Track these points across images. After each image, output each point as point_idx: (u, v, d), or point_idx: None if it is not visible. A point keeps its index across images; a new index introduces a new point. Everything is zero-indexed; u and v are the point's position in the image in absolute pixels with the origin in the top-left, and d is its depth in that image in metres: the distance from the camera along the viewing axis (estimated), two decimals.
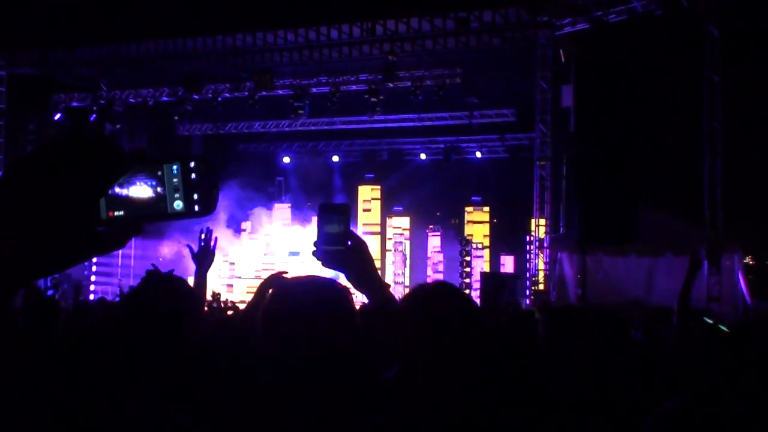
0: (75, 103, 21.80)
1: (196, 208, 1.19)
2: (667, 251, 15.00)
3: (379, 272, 2.10)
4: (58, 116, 21.75)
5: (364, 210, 24.23)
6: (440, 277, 22.93)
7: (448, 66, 19.10)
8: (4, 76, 20.81)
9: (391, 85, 19.58)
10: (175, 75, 20.25)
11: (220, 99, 20.72)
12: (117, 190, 1.16)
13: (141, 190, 1.18)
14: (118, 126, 22.34)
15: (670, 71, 15.11)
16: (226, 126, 23.44)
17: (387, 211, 24.56)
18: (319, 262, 2.16)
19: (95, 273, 21.91)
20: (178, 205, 1.19)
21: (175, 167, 1.20)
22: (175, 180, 1.19)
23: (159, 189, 1.19)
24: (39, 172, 0.94)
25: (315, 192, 23.48)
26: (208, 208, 1.18)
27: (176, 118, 21.95)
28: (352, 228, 2.17)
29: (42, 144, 0.96)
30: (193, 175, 1.19)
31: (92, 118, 21.40)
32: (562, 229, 18.53)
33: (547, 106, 18.20)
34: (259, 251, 22.27)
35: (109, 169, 1.01)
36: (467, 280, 20.64)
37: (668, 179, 14.55)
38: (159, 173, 1.19)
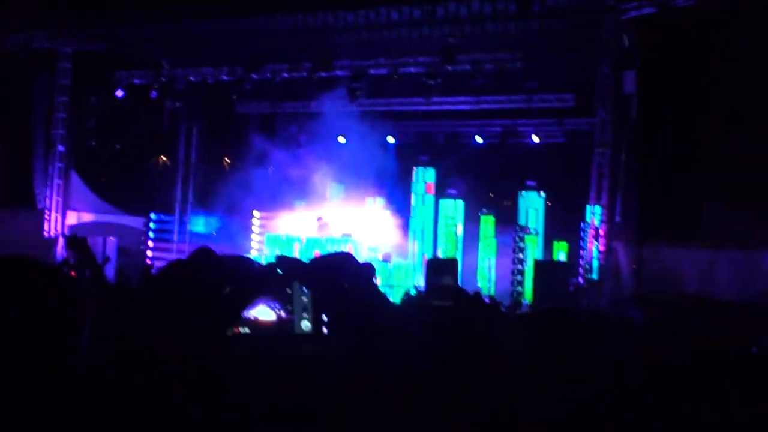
0: (136, 80, 22.08)
1: (324, 330, 1.19)
2: (730, 244, 14.71)
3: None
4: (120, 93, 22.09)
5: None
6: (493, 262, 22.83)
7: (508, 49, 18.90)
8: (69, 53, 21.16)
9: (449, 67, 19.46)
10: (235, 54, 20.39)
11: (278, 79, 20.83)
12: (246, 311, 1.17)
13: (266, 312, 1.19)
14: (177, 104, 22.61)
15: (739, 58, 14.73)
16: (281, 105, 23.54)
17: (440, 194, 24.47)
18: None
19: (153, 249, 22.29)
20: (306, 325, 1.19)
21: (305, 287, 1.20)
22: (304, 299, 1.19)
23: (285, 311, 1.20)
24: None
25: (370, 173, 23.49)
26: (336, 329, 1.18)
27: (234, 97, 22.11)
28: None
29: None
30: None
31: (153, 95, 21.68)
32: (618, 217, 18.29)
33: (608, 91, 17.93)
34: (312, 230, 22.38)
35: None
36: (519, 267, 20.49)
37: (735, 171, 14.21)
38: (288, 291, 1.19)
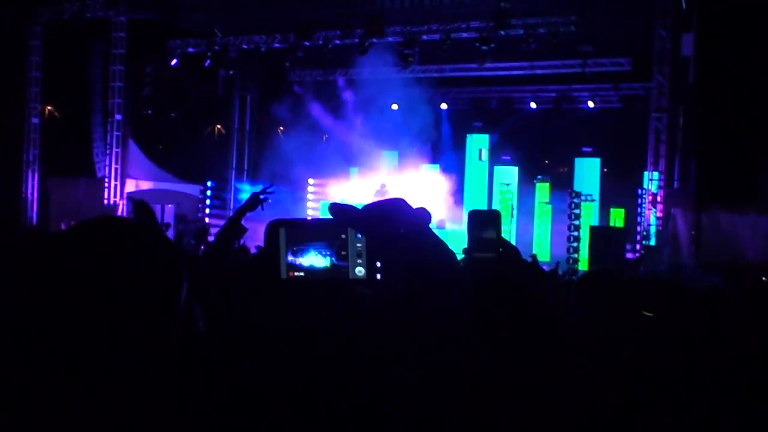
0: (190, 49, 22.27)
1: (378, 276, 1.21)
2: None
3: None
4: (174, 61, 22.32)
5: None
6: (548, 228, 22.68)
7: (562, 13, 18.57)
8: (124, 22, 21.40)
9: (502, 33, 19.21)
10: (286, 21, 20.42)
11: (330, 46, 20.81)
12: (294, 258, 1.20)
13: (317, 259, 1.21)
14: (231, 72, 22.77)
15: None
16: (335, 72, 23.55)
17: (494, 160, 24.32)
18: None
19: (210, 216, 22.61)
20: (360, 271, 1.20)
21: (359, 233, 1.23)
22: (359, 245, 1.21)
23: (339, 255, 1.22)
24: None
25: (423, 140, 23.44)
26: (390, 277, 1.21)
27: (287, 64, 22.16)
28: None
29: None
30: None
31: (206, 64, 21.86)
32: (676, 183, 17.97)
33: (665, 55, 17.55)
34: (368, 197, 22.45)
35: None
36: (575, 233, 20.30)
37: None
38: (342, 236, 1.22)
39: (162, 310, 1.56)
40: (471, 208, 2.17)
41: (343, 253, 1.22)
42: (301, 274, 1.22)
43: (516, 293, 1.93)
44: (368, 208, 1.48)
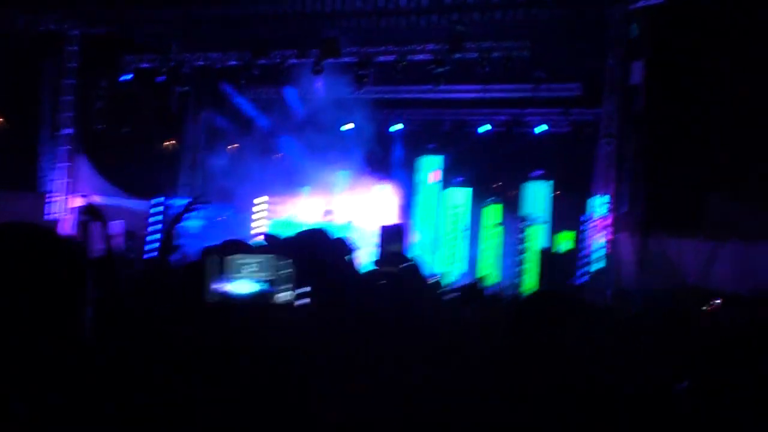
0: (145, 64, 22.09)
1: (307, 300, 1.26)
2: (733, 237, 14.66)
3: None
4: (127, 76, 22.11)
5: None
6: (498, 251, 22.82)
7: (516, 38, 18.83)
8: (77, 35, 21.16)
9: (457, 55, 19.41)
10: (242, 39, 20.37)
11: (286, 65, 20.82)
12: (222, 283, 1.24)
13: (246, 285, 1.26)
14: (185, 88, 22.61)
15: (748, 50, 14.64)
16: (288, 91, 23.48)
17: (447, 182, 24.44)
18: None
19: (159, 233, 22.32)
20: (286, 296, 1.25)
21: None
22: (286, 271, 1.25)
23: (267, 281, 1.26)
24: None
25: (376, 160, 23.50)
26: (312, 300, 1.25)
27: (243, 82, 22.09)
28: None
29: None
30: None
31: (161, 80, 21.69)
32: (623, 208, 18.24)
33: (615, 82, 17.85)
34: (317, 217, 22.41)
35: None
36: (522, 256, 20.46)
37: (740, 162, 14.15)
38: (272, 263, 1.26)
39: (60, 312, 1.55)
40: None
41: (272, 278, 1.27)
42: (227, 299, 1.26)
43: (406, 309, 1.98)
44: (294, 237, 1.52)
